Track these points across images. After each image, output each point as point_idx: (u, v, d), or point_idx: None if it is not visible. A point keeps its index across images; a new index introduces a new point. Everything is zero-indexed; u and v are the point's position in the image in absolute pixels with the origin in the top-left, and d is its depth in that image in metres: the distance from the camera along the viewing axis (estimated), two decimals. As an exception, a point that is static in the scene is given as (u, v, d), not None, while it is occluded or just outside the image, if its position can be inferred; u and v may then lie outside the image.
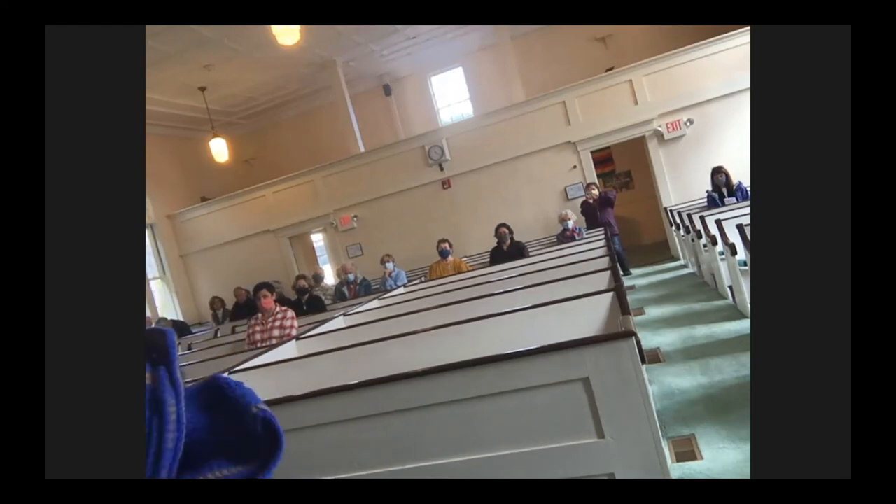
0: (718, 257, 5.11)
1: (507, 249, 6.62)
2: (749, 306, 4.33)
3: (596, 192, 8.08)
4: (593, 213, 7.87)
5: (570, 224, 7.39)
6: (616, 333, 1.67)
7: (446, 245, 6.75)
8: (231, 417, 0.46)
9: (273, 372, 2.84)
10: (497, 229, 6.76)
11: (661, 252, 9.19)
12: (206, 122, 10.61)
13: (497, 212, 8.97)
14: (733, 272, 4.71)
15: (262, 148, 12.70)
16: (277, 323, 4.58)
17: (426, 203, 9.79)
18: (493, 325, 2.66)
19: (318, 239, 12.29)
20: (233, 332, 6.10)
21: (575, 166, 9.11)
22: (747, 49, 7.69)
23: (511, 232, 6.76)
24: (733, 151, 7.98)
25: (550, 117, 9.15)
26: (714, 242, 5.02)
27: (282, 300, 5.94)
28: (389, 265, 7.23)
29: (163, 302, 10.65)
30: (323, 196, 10.26)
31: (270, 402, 1.95)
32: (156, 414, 0.43)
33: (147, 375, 0.44)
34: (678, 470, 2.47)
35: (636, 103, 8.75)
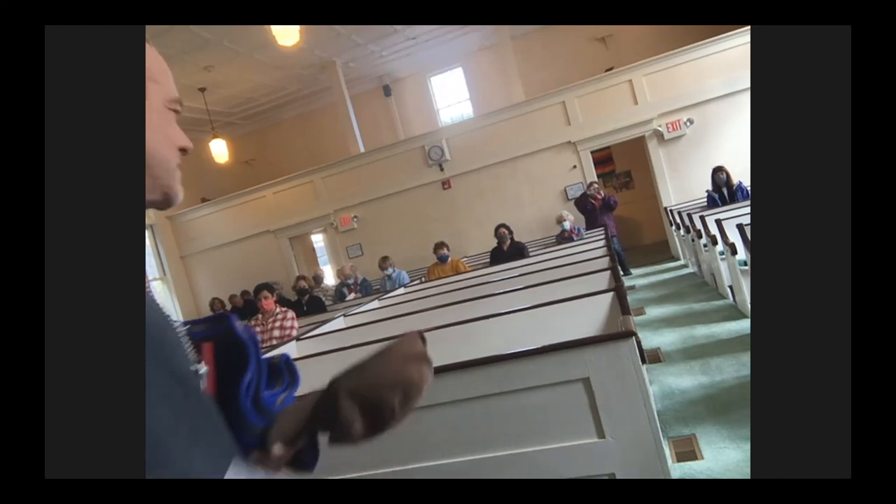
0: (718, 257, 5.11)
1: (507, 250, 6.62)
2: (749, 306, 4.33)
3: (599, 190, 8.01)
4: (593, 213, 7.86)
5: (568, 225, 7.38)
6: (616, 333, 1.67)
7: (444, 251, 6.68)
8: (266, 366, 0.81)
9: (273, 372, 2.83)
10: (497, 230, 6.75)
11: (661, 252, 9.18)
12: (206, 123, 10.61)
13: (497, 212, 8.96)
14: (733, 272, 4.71)
15: (263, 149, 12.69)
16: (278, 324, 4.58)
17: (426, 203, 9.79)
18: (494, 325, 2.66)
19: (318, 239, 12.28)
20: (233, 332, 6.07)
21: (575, 166, 9.11)
22: (747, 49, 7.69)
23: (511, 232, 6.75)
24: (733, 151, 7.98)
25: (550, 117, 9.14)
26: (714, 242, 5.02)
27: (282, 301, 5.94)
28: (388, 270, 7.04)
29: (163, 303, 10.50)
30: (323, 196, 10.26)
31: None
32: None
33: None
34: (678, 470, 2.47)
35: (636, 103, 8.75)
